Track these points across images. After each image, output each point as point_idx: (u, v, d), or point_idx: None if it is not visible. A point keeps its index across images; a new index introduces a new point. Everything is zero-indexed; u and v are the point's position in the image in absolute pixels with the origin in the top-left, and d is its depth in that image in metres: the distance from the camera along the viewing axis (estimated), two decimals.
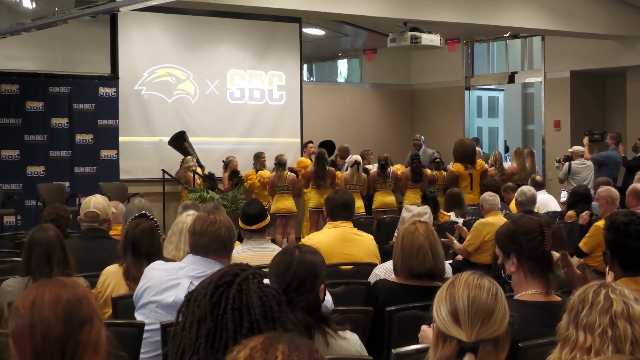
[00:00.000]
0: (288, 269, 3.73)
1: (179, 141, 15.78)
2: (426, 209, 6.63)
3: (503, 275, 4.22)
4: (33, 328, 2.39)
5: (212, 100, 17.01)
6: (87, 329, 2.43)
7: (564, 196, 11.37)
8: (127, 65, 16.08)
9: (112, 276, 5.49)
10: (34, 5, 15.44)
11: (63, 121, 15.48)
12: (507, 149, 16.98)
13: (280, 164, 14.23)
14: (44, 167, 15.32)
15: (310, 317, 3.65)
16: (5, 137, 14.97)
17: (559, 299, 3.98)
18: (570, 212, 10.55)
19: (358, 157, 14.51)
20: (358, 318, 4.70)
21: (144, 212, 6.04)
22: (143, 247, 5.43)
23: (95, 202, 6.92)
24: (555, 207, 12.02)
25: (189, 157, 15.47)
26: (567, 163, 14.36)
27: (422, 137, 17.30)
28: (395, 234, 5.37)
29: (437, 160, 15.26)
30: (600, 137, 15.53)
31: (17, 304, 2.45)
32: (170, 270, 4.59)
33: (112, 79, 15.93)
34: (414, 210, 6.50)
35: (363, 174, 14.19)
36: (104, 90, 15.77)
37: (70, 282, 2.56)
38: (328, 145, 16.10)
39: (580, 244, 8.49)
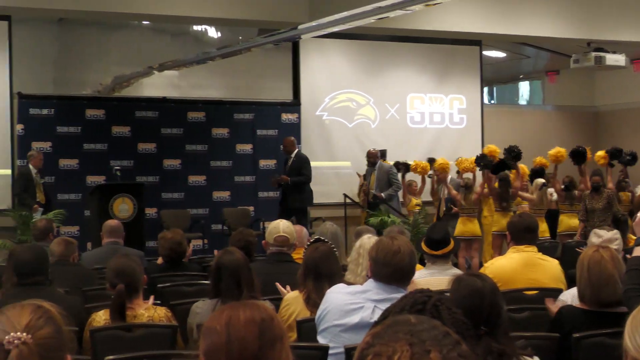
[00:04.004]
0: (469, 297, 3.69)
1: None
2: (617, 234, 6.42)
3: None
4: (230, 345, 2.44)
5: (392, 124, 17.09)
6: (278, 347, 2.48)
7: None
8: (309, 91, 16.37)
9: (294, 302, 5.56)
10: (219, 35, 15.97)
11: (247, 147, 15.89)
12: None
13: (467, 186, 14.13)
14: (229, 191, 15.73)
15: (492, 343, 3.60)
16: (193, 163, 15.49)
17: None
18: None
19: (542, 179, 14.28)
20: (543, 344, 4.62)
21: (318, 237, 6.13)
22: (324, 270, 5.49)
23: (284, 227, 7.03)
24: None
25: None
26: None
27: (379, 151, 15.63)
28: None
29: (625, 181, 14.78)
30: None
31: (212, 324, 2.50)
32: (352, 293, 4.62)
33: (294, 105, 16.24)
34: (605, 236, 6.31)
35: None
36: (286, 116, 16.10)
37: (260, 303, 2.62)
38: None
39: None
